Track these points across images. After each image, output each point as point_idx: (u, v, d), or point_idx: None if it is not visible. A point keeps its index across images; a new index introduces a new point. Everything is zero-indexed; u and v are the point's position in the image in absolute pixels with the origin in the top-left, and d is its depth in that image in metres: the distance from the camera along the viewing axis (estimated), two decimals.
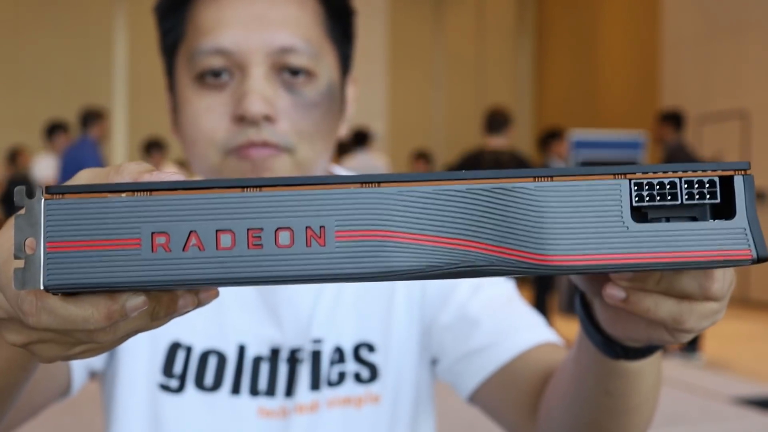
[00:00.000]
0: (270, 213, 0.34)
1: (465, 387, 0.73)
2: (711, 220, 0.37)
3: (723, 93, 8.45)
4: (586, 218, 0.35)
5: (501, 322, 0.72)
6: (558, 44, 12.17)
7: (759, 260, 0.38)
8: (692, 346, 4.87)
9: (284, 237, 0.34)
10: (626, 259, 0.35)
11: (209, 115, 0.67)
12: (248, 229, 0.34)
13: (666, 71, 9.47)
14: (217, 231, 0.34)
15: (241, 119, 0.65)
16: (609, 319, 0.48)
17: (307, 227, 0.34)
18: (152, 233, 0.34)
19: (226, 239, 0.34)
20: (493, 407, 0.72)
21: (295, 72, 0.67)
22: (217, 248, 0.34)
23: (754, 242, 0.38)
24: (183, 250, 0.34)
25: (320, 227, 0.34)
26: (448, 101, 12.22)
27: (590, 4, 11.20)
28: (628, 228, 0.35)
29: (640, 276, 0.42)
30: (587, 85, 11.25)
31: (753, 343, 5.75)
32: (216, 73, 0.67)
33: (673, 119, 5.20)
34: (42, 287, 0.33)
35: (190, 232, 0.34)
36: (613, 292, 0.42)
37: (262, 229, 0.34)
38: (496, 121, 4.73)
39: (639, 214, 0.36)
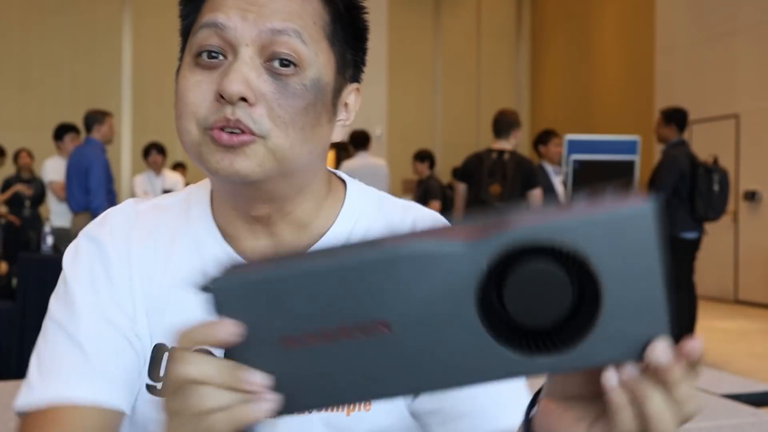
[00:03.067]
0: None
1: None
2: None
3: (715, 97, 8.52)
4: None
5: (484, 391, 0.65)
6: (554, 49, 12.23)
7: None
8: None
9: None
10: None
11: (196, 90, 0.69)
12: None
13: (659, 76, 9.54)
14: None
15: (220, 97, 0.67)
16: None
17: None
18: None
19: None
20: None
21: (285, 63, 0.68)
22: None
23: None
24: None
25: None
26: (446, 104, 12.27)
27: (585, 10, 11.26)
28: None
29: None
30: (582, 89, 11.30)
31: (745, 341, 5.83)
32: (212, 54, 0.69)
33: (675, 119, 5.13)
34: None
35: None
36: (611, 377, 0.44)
37: None
38: (500, 123, 4.75)
39: None
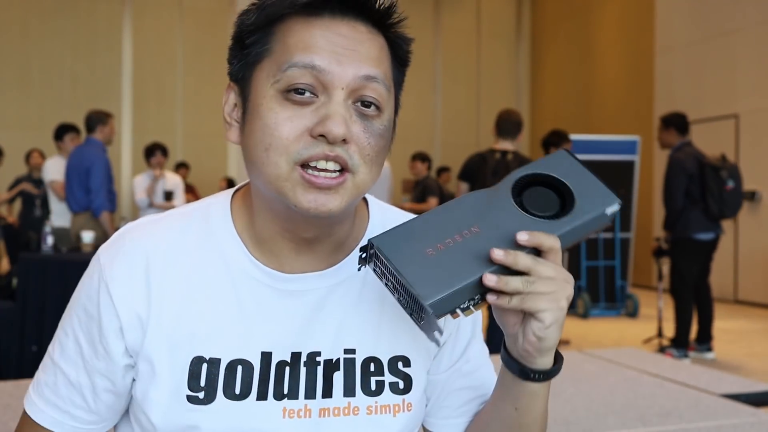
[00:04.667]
0: None
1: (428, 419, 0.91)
2: None
3: (715, 97, 8.52)
4: None
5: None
6: (554, 49, 12.23)
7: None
8: (706, 344, 4.99)
9: None
10: None
11: (288, 125, 0.73)
12: None
13: (658, 76, 9.54)
14: None
15: (321, 137, 0.72)
16: (508, 337, 0.76)
17: None
18: None
19: None
20: None
21: (367, 104, 0.75)
22: None
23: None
24: None
25: None
26: (446, 104, 12.27)
27: (585, 10, 11.26)
28: None
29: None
30: (582, 89, 11.30)
31: (745, 341, 5.84)
32: (301, 91, 0.73)
33: (673, 123, 5.13)
34: None
35: None
36: (489, 277, 0.68)
37: None
38: (505, 123, 4.75)
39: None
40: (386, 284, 0.72)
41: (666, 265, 5.44)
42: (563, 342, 5.46)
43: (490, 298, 0.70)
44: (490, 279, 0.68)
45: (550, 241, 0.71)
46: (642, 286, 9.32)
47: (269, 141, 0.73)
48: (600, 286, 7.24)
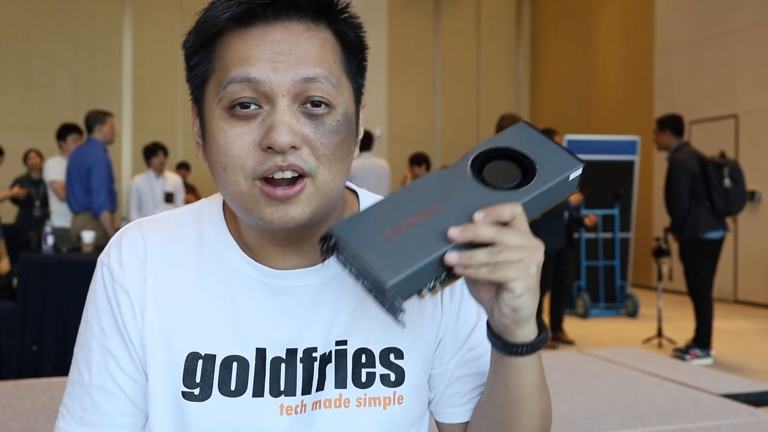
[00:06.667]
0: None
1: (440, 414, 0.90)
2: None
3: (714, 97, 8.52)
4: None
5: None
6: (553, 49, 12.23)
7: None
8: (705, 349, 4.95)
9: None
10: None
11: (238, 142, 0.72)
12: None
13: (658, 76, 9.54)
14: None
15: (269, 149, 0.72)
16: (487, 312, 0.73)
17: None
18: None
19: None
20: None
21: (316, 104, 0.73)
22: None
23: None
24: None
25: None
26: (446, 105, 12.27)
27: (585, 10, 11.26)
28: None
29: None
30: (582, 89, 11.30)
31: (744, 341, 5.84)
32: (245, 105, 0.72)
33: (669, 124, 5.15)
34: None
35: None
36: (450, 256, 0.66)
37: None
38: (503, 122, 4.77)
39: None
40: (351, 272, 0.70)
41: (666, 265, 5.44)
42: (568, 342, 5.46)
43: (458, 270, 0.67)
44: (452, 257, 0.66)
45: (509, 211, 0.68)
46: (642, 286, 9.33)
47: (224, 161, 0.74)
48: (600, 286, 7.24)
